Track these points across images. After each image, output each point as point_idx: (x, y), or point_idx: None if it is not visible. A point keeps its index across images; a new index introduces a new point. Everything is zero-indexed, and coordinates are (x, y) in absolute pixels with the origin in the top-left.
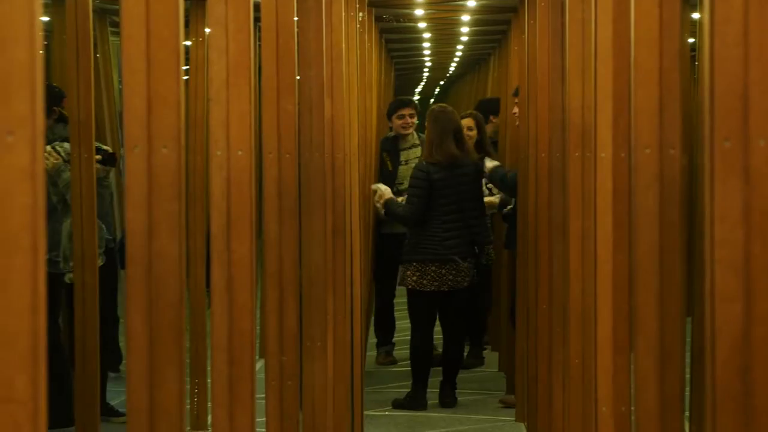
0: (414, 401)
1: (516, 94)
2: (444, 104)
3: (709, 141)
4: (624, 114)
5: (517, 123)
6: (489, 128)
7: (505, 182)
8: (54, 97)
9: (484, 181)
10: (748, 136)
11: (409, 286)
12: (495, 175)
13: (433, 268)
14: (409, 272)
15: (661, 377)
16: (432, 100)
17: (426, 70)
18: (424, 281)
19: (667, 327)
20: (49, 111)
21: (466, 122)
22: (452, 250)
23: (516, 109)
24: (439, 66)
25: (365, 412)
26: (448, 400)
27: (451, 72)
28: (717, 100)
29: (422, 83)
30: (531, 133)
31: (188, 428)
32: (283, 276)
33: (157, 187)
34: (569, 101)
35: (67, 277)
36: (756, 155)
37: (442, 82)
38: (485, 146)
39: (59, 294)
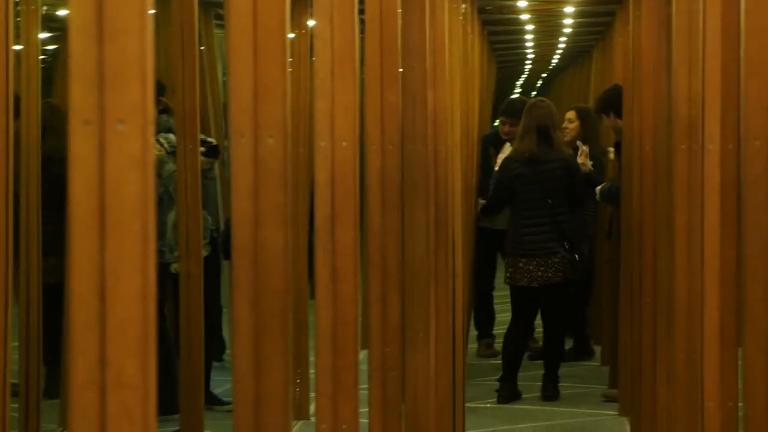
0: (501, 392)
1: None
2: (543, 98)
3: None
4: (732, 106)
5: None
6: (609, 123)
7: (613, 196)
8: (157, 89)
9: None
10: None
11: (505, 281)
12: (604, 193)
13: (522, 263)
14: (506, 266)
15: None
16: (534, 93)
17: (528, 62)
18: (517, 276)
19: None
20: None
21: (568, 114)
22: (538, 245)
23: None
24: (542, 58)
25: (467, 404)
26: (549, 394)
27: (553, 64)
28: None
29: (524, 76)
30: (636, 125)
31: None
32: (386, 267)
33: (263, 176)
34: (676, 93)
35: (173, 267)
36: None
37: (544, 75)
38: (586, 140)
39: (165, 283)
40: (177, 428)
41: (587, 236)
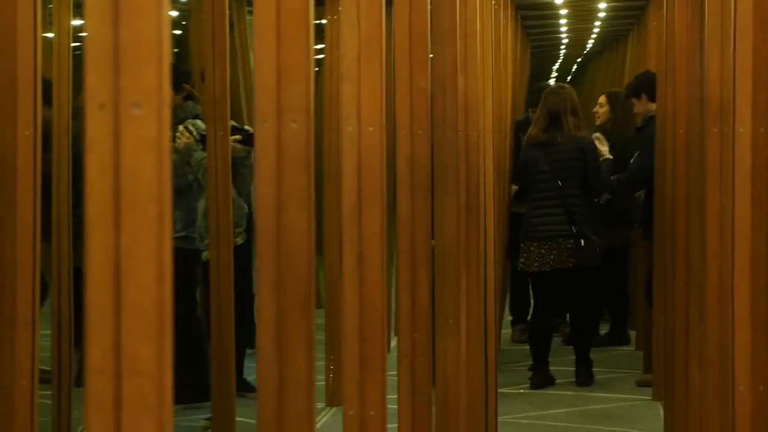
0: (533, 379)
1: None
2: (562, 84)
3: None
4: (764, 88)
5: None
6: (640, 108)
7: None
8: (182, 76)
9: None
10: None
11: (518, 267)
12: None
13: (534, 247)
14: (520, 252)
15: None
16: (569, 78)
17: (563, 47)
18: (529, 261)
19: None
20: (177, 89)
21: (600, 99)
22: (548, 228)
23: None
24: (577, 43)
25: (499, 390)
26: (582, 379)
27: (588, 49)
28: None
29: (559, 60)
30: (669, 108)
31: (323, 404)
32: (415, 253)
33: (287, 160)
34: (708, 76)
35: (204, 255)
36: None
37: (579, 60)
38: (615, 125)
39: (196, 270)
40: (209, 416)
41: (625, 222)
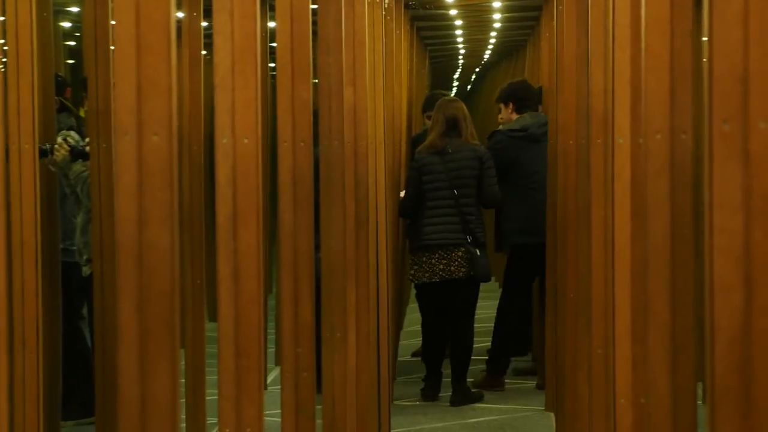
0: (424, 390)
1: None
2: (454, 98)
3: (708, 123)
4: (641, 99)
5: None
6: (504, 115)
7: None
8: (57, 87)
9: None
10: (748, 118)
11: (408, 279)
12: None
13: (424, 257)
14: (410, 264)
15: (673, 368)
16: (469, 87)
17: (461, 57)
18: (419, 273)
19: (679, 317)
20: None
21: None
22: (439, 236)
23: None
24: (474, 53)
25: (397, 402)
26: (455, 399)
27: (486, 59)
28: (715, 82)
29: (458, 70)
30: (559, 120)
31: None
32: (297, 267)
33: (148, 175)
34: (592, 88)
35: (84, 270)
36: (756, 138)
37: (477, 70)
38: None
39: (77, 284)
40: None
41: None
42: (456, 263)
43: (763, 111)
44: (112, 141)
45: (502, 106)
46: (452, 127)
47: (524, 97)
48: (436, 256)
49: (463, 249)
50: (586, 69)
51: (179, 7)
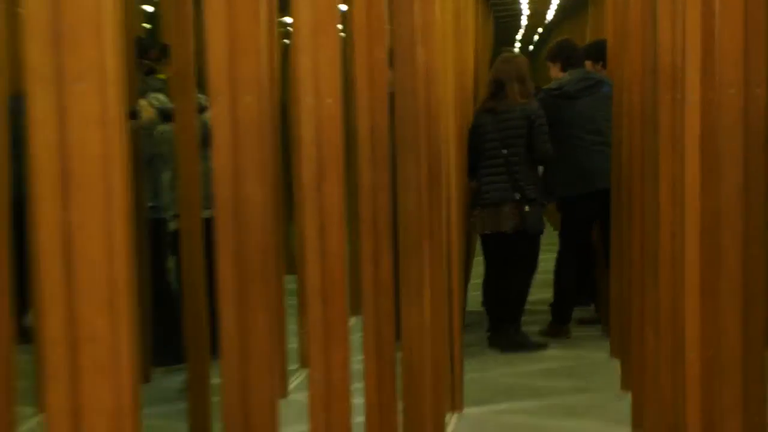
0: (490, 339)
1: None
2: (510, 52)
3: None
4: (712, 56)
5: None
6: (553, 72)
7: None
8: (141, 50)
9: None
10: None
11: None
12: None
13: (478, 212)
14: (472, 217)
15: (744, 321)
16: (531, 47)
17: (523, 17)
18: (475, 224)
19: (751, 272)
20: (137, 64)
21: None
22: (491, 194)
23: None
24: (537, 12)
25: (468, 349)
26: (498, 342)
27: (549, 19)
28: None
29: (521, 30)
30: (625, 77)
31: (297, 366)
32: (377, 224)
33: (243, 134)
34: (660, 44)
35: (171, 225)
36: None
37: (540, 30)
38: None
39: (164, 239)
40: (185, 378)
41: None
42: (504, 217)
43: None
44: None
45: (550, 64)
46: (499, 88)
47: (570, 56)
48: (486, 211)
49: (511, 204)
50: (652, 25)
51: None
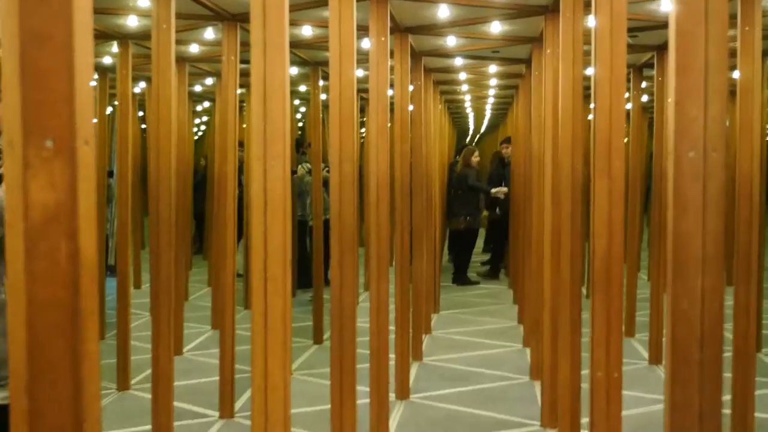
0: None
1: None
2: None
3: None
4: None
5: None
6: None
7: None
8: (298, 143)
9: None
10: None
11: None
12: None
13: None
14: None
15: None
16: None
17: (471, 127)
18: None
19: (574, 252)
20: (298, 149)
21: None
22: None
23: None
24: (477, 122)
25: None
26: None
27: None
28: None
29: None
30: (518, 155)
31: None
32: (402, 223)
33: (343, 183)
34: (533, 140)
35: (310, 223)
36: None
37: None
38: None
39: (306, 230)
40: (312, 295)
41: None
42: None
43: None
44: (330, 166)
45: (506, 145)
46: (465, 160)
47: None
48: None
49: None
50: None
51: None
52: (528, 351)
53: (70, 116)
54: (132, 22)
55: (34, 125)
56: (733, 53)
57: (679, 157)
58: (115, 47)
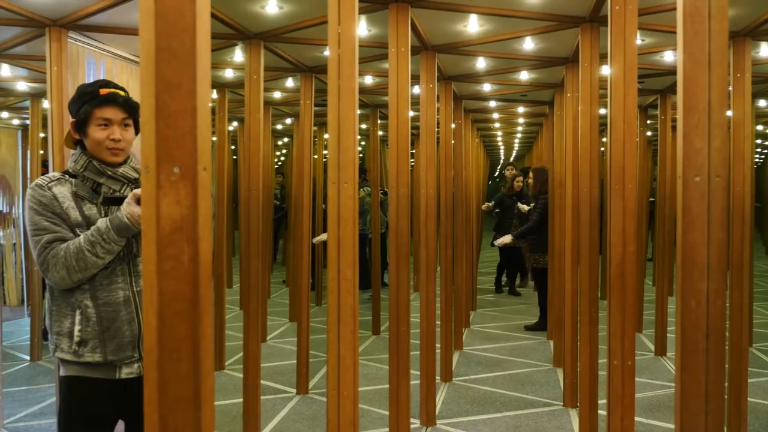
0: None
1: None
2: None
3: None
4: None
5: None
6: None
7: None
8: (361, 170)
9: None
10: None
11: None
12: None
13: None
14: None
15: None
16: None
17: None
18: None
19: (591, 255)
20: (361, 175)
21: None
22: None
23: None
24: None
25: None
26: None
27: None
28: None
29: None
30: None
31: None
32: (446, 236)
33: (401, 204)
34: (556, 166)
35: (369, 235)
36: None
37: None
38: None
39: (367, 241)
40: (370, 294)
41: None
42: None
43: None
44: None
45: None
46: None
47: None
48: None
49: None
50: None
51: None
52: (551, 343)
53: (193, 148)
54: (228, 73)
55: (164, 155)
56: (727, 95)
57: (687, 181)
58: (215, 93)
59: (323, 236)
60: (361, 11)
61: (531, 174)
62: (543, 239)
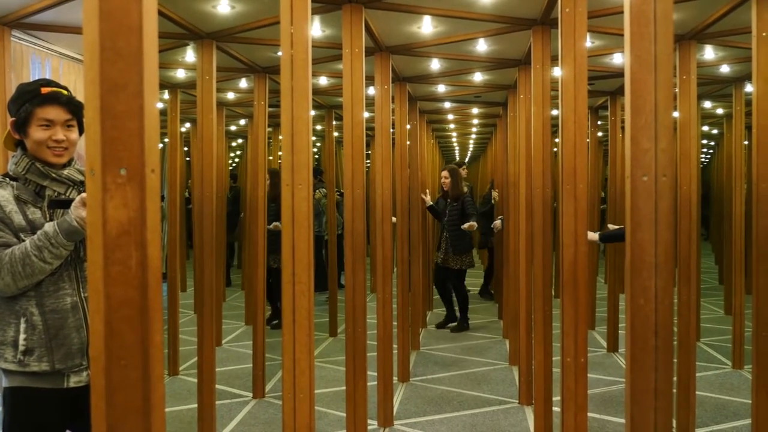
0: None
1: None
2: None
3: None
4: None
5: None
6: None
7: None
8: (316, 172)
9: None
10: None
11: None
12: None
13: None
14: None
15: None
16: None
17: (455, 147)
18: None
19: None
20: (316, 176)
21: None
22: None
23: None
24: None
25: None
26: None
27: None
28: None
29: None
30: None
31: None
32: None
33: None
34: (509, 167)
35: (325, 237)
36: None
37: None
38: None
39: (322, 242)
40: (327, 296)
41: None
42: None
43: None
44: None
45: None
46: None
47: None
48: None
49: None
50: (505, 161)
51: None
52: (507, 342)
53: (141, 150)
54: (180, 73)
55: (110, 157)
56: (673, 97)
57: (635, 180)
58: (166, 94)
59: (278, 224)
60: (315, 12)
61: (447, 173)
62: (466, 240)
